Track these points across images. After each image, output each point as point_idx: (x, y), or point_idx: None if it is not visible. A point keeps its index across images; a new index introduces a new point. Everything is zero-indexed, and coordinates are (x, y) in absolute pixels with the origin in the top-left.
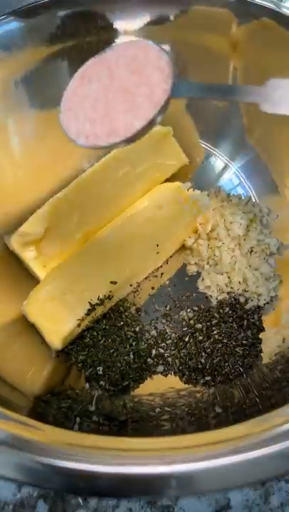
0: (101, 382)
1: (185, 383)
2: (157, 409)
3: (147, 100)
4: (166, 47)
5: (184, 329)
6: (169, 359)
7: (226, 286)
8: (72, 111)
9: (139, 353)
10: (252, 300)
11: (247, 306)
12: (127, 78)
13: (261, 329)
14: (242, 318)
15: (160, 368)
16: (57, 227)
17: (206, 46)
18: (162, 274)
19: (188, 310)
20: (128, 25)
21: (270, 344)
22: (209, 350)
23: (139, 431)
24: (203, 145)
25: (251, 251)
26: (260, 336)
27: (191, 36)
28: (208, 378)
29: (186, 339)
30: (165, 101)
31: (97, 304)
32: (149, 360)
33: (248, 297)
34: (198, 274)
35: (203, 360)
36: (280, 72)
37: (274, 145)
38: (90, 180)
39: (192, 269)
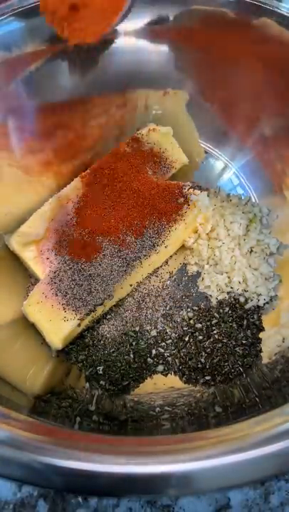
0: (101, 382)
1: (185, 383)
2: (157, 409)
3: None
4: (166, 47)
5: (184, 329)
6: (169, 359)
7: (226, 286)
8: None
9: (139, 352)
10: (252, 300)
11: (247, 306)
12: None
13: (261, 329)
14: (242, 318)
15: (160, 368)
16: (57, 227)
17: (206, 46)
18: (162, 274)
19: (188, 310)
20: (128, 25)
21: (269, 344)
22: (209, 349)
23: (139, 430)
24: (203, 145)
25: (251, 251)
26: (260, 335)
27: (191, 36)
28: (208, 378)
29: (186, 339)
30: None
31: (97, 304)
32: (149, 359)
33: (247, 297)
34: (198, 274)
35: (203, 360)
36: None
37: (274, 145)
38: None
39: (192, 269)
